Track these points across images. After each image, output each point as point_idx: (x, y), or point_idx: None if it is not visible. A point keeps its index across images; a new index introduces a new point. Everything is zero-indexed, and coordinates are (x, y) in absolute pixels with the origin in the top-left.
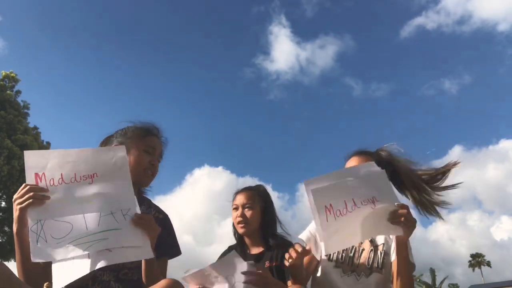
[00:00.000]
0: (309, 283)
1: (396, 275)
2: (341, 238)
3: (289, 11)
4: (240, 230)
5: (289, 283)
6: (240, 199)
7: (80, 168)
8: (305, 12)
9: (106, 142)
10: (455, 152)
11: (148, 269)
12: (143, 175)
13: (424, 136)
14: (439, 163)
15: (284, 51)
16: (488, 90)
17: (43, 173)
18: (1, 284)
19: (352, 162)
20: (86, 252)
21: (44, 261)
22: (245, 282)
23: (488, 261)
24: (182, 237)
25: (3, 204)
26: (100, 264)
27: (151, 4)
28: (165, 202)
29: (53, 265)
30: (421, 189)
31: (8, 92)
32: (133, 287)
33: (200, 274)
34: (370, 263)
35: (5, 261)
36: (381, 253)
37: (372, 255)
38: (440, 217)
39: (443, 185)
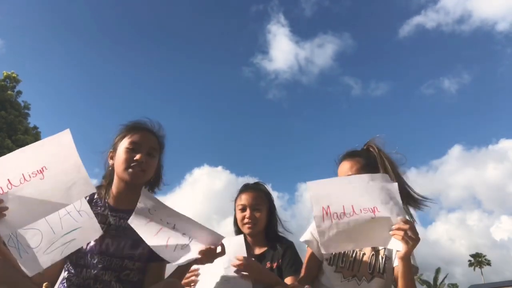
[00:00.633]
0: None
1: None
2: (337, 241)
3: (288, 10)
4: (247, 231)
5: (288, 279)
6: (248, 199)
7: (27, 167)
8: (303, 11)
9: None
10: (455, 152)
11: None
12: (129, 173)
13: (424, 135)
14: (439, 163)
15: (282, 50)
16: (488, 89)
17: None
18: (2, 279)
19: (344, 166)
20: (64, 256)
21: (37, 272)
22: (234, 266)
23: (489, 260)
24: None
25: None
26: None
27: (150, 4)
28: (164, 202)
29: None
30: (404, 194)
31: (9, 92)
32: None
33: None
34: (372, 268)
35: None
36: (382, 258)
37: (374, 260)
38: (425, 205)
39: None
